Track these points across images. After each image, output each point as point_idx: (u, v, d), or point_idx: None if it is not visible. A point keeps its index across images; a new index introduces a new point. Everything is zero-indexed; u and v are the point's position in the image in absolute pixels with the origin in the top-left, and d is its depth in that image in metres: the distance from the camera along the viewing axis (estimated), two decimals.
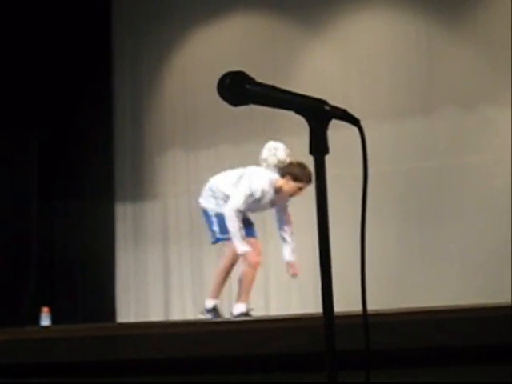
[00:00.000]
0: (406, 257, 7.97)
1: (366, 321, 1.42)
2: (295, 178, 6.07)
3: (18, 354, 2.30)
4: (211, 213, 6.31)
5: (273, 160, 6.34)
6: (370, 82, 8.34)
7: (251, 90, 1.51)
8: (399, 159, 8.01)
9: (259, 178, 6.18)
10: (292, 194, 6.15)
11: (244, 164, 8.74)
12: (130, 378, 2.18)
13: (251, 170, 6.35)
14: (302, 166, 6.09)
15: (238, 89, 1.51)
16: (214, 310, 6.28)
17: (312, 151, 1.48)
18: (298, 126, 7.33)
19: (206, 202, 6.42)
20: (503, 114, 7.79)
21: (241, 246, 5.96)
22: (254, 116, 8.37)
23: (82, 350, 2.19)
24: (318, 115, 1.48)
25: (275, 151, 6.37)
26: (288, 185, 6.10)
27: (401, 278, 7.79)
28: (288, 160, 6.26)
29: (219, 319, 5.93)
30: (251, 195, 6.11)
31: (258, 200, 6.19)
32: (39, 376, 2.27)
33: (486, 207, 7.75)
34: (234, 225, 5.98)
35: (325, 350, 1.41)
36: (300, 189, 6.08)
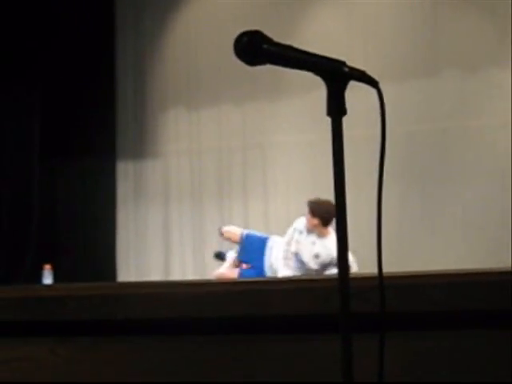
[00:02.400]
0: (408, 219, 7.98)
1: (381, 282, 1.42)
2: None
3: (23, 312, 2.30)
4: None
5: None
6: (374, 44, 8.29)
7: (268, 50, 1.49)
8: (402, 121, 7.97)
9: None
10: None
11: (245, 122, 8.76)
12: (135, 337, 2.19)
13: None
14: None
15: (254, 48, 1.49)
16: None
17: (330, 112, 1.46)
18: (300, 86, 7.32)
19: None
20: (507, 77, 7.74)
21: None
22: (257, 76, 8.32)
23: (91, 308, 2.19)
24: (337, 76, 1.45)
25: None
26: None
27: (402, 240, 7.80)
28: None
29: (229, 279, 6.02)
30: None
31: None
32: (45, 334, 2.27)
33: (488, 170, 7.75)
34: None
35: (339, 311, 1.41)
36: None
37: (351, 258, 5.75)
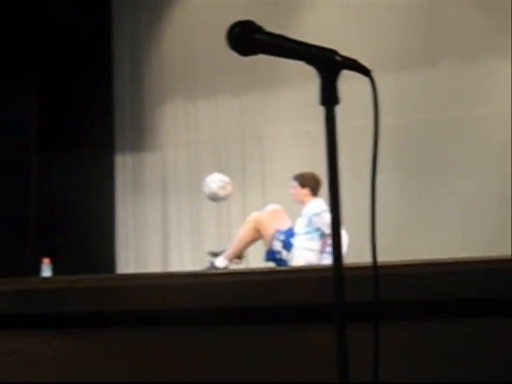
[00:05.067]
0: (406, 209, 7.98)
1: (376, 272, 1.42)
2: None
3: (21, 304, 2.30)
4: None
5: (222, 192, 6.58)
6: (371, 35, 8.27)
7: (261, 40, 1.49)
8: (400, 111, 7.96)
9: None
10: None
11: (242, 113, 8.76)
12: (134, 328, 2.19)
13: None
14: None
15: (247, 38, 1.49)
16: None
17: (323, 102, 1.46)
18: (297, 76, 7.31)
19: None
20: (504, 66, 7.73)
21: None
22: (254, 67, 8.31)
23: (90, 301, 2.19)
24: (329, 65, 1.45)
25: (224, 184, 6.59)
26: None
27: (400, 230, 7.80)
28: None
29: (226, 270, 6.02)
30: None
31: None
32: (42, 326, 2.28)
33: (486, 159, 7.74)
34: None
35: (333, 301, 1.41)
36: None
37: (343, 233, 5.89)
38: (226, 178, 6.64)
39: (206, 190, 6.60)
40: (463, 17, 8.03)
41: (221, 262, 6.37)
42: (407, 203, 8.00)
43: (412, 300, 1.81)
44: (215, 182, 6.60)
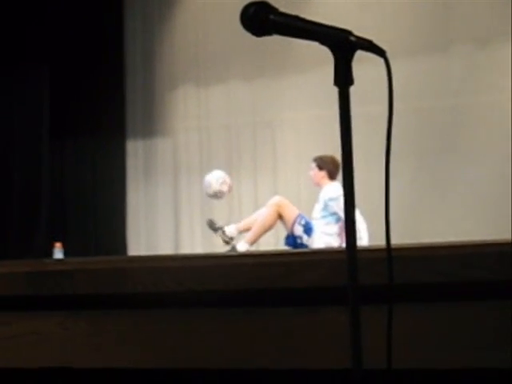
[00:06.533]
0: (417, 194, 7.96)
1: (389, 254, 1.41)
2: None
3: (33, 286, 2.31)
4: None
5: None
6: (384, 18, 8.23)
7: (275, 20, 1.48)
8: (412, 97, 7.93)
9: None
10: None
11: (254, 99, 8.73)
12: (144, 310, 2.19)
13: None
14: None
15: (261, 19, 1.48)
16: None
17: (337, 82, 1.45)
18: (309, 62, 7.27)
19: None
20: None
21: None
22: (265, 52, 8.29)
23: (99, 283, 2.20)
24: (343, 46, 1.44)
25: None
26: None
27: (411, 215, 7.78)
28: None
29: (238, 253, 6.04)
30: None
31: None
32: (54, 308, 2.28)
33: (499, 146, 7.71)
34: None
35: (347, 283, 1.41)
36: None
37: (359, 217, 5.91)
38: (222, 173, 6.70)
39: (209, 191, 6.63)
40: (476, 2, 7.97)
41: (242, 246, 6.38)
42: (418, 189, 7.98)
43: (426, 283, 1.80)
44: (216, 179, 6.63)
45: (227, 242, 6.52)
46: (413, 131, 7.91)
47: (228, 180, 6.68)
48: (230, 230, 6.55)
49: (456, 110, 8.02)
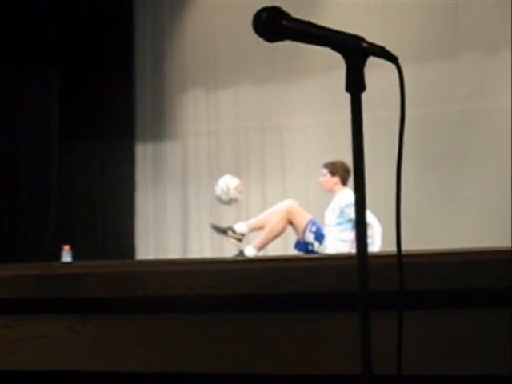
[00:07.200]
0: (425, 200, 7.95)
1: (400, 260, 1.41)
2: None
3: (43, 289, 2.31)
4: None
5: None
6: (393, 24, 8.23)
7: (287, 26, 1.48)
8: (420, 103, 7.92)
9: None
10: None
11: (263, 103, 8.74)
12: (153, 314, 2.19)
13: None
14: None
15: (273, 24, 1.48)
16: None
17: (349, 88, 1.45)
18: (318, 67, 7.25)
19: None
20: None
21: None
22: (275, 57, 8.30)
23: (109, 286, 2.20)
24: (356, 52, 1.44)
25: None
26: None
27: (420, 221, 7.77)
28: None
29: (247, 257, 6.02)
30: None
31: None
32: (64, 311, 2.28)
33: (507, 152, 7.69)
34: None
35: (357, 289, 1.41)
36: None
37: (372, 217, 5.89)
38: (237, 180, 6.69)
39: (225, 197, 6.58)
40: (486, 8, 7.97)
41: (250, 251, 6.33)
42: (427, 194, 7.96)
43: (435, 289, 1.80)
44: (235, 186, 6.60)
45: (239, 240, 6.45)
46: (421, 136, 7.90)
47: (241, 187, 6.67)
48: (240, 226, 6.51)
49: (464, 116, 8.00)
